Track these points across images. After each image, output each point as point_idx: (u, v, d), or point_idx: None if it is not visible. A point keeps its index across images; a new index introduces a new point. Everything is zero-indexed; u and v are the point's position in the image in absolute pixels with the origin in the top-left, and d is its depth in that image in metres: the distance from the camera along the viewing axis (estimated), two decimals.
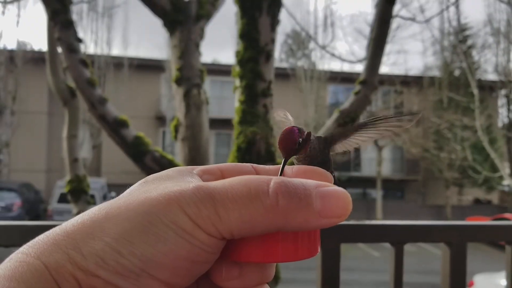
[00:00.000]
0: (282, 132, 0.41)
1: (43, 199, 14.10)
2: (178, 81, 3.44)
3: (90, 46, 15.33)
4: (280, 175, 0.34)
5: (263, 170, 0.35)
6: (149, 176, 0.31)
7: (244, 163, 0.35)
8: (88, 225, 0.27)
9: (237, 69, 3.14)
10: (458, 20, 16.39)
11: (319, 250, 0.31)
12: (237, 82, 3.14)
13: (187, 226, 0.26)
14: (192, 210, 0.26)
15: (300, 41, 18.90)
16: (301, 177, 0.32)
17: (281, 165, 0.35)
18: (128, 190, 0.30)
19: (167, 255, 0.26)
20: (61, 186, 10.53)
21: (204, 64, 3.80)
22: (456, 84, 16.32)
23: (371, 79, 3.41)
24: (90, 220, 0.27)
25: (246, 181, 0.27)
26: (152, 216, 0.26)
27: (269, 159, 2.97)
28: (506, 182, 13.66)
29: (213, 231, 0.26)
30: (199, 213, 0.26)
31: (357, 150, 17.59)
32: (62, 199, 10.68)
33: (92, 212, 0.28)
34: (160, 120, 16.87)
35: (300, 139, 0.40)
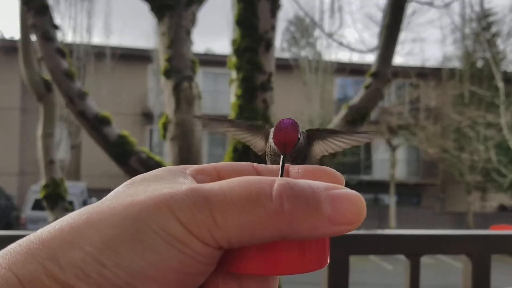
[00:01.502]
0: (283, 125, 0.44)
1: (16, 205, 14.09)
2: (167, 73, 3.43)
3: (68, 34, 15.34)
4: (281, 175, 0.35)
5: (265, 170, 0.35)
6: (136, 177, 0.31)
7: (244, 162, 0.35)
8: (66, 232, 0.26)
9: (233, 59, 3.14)
10: (481, 4, 16.44)
11: (328, 261, 0.31)
12: (233, 74, 3.14)
13: (179, 233, 0.26)
14: (184, 215, 0.26)
15: (304, 28, 18.92)
16: (309, 178, 0.31)
17: (281, 163, 0.36)
18: (112, 193, 0.30)
19: (156, 266, 0.26)
20: (36, 191, 10.52)
21: (197, 54, 3.80)
22: (478, 77, 16.35)
23: (383, 71, 3.41)
24: (69, 226, 0.27)
25: (246, 182, 0.27)
26: (140, 222, 0.26)
27: None
28: None
29: (208, 239, 0.26)
30: (192, 219, 0.26)
31: (358, 152, 17.50)
32: (37, 205, 10.68)
33: (71, 217, 0.27)
34: (147, 117, 16.87)
35: (299, 133, 0.44)
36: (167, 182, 0.29)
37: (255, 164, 0.35)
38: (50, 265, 0.25)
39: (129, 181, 0.31)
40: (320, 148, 0.54)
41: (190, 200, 0.26)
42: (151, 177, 0.31)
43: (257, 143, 0.54)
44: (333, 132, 0.54)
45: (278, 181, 0.27)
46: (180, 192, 0.27)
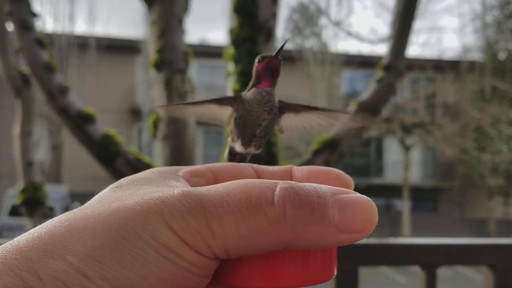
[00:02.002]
0: (270, 57, 0.51)
1: None
2: (158, 66, 3.43)
3: (48, 23, 15.33)
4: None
5: (266, 172, 0.35)
6: (123, 179, 0.31)
7: (243, 164, 0.35)
8: (46, 240, 0.26)
9: (230, 50, 3.14)
10: None
11: (335, 273, 0.31)
12: (231, 67, 3.14)
13: (171, 242, 0.26)
14: (177, 222, 0.26)
15: (308, 17, 18.93)
16: (314, 181, 0.31)
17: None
18: (96, 197, 0.30)
19: (145, 279, 0.26)
20: (13, 195, 10.53)
21: (190, 45, 3.80)
22: (501, 70, 16.35)
23: (396, 64, 3.42)
24: (49, 234, 0.27)
25: (245, 186, 0.27)
26: (128, 230, 0.26)
27: (271, 162, 2.98)
28: None
29: (203, 249, 0.26)
30: (186, 227, 0.26)
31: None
32: (14, 211, 10.67)
33: (51, 224, 0.27)
34: (135, 114, 16.87)
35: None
36: (157, 185, 0.29)
37: (255, 166, 0.35)
38: (28, 277, 0.25)
39: (116, 184, 0.31)
40: (291, 121, 0.55)
41: (183, 205, 0.26)
42: (140, 179, 0.31)
43: (223, 115, 0.56)
44: (307, 107, 0.55)
45: (281, 184, 0.27)
46: (172, 197, 0.27)
